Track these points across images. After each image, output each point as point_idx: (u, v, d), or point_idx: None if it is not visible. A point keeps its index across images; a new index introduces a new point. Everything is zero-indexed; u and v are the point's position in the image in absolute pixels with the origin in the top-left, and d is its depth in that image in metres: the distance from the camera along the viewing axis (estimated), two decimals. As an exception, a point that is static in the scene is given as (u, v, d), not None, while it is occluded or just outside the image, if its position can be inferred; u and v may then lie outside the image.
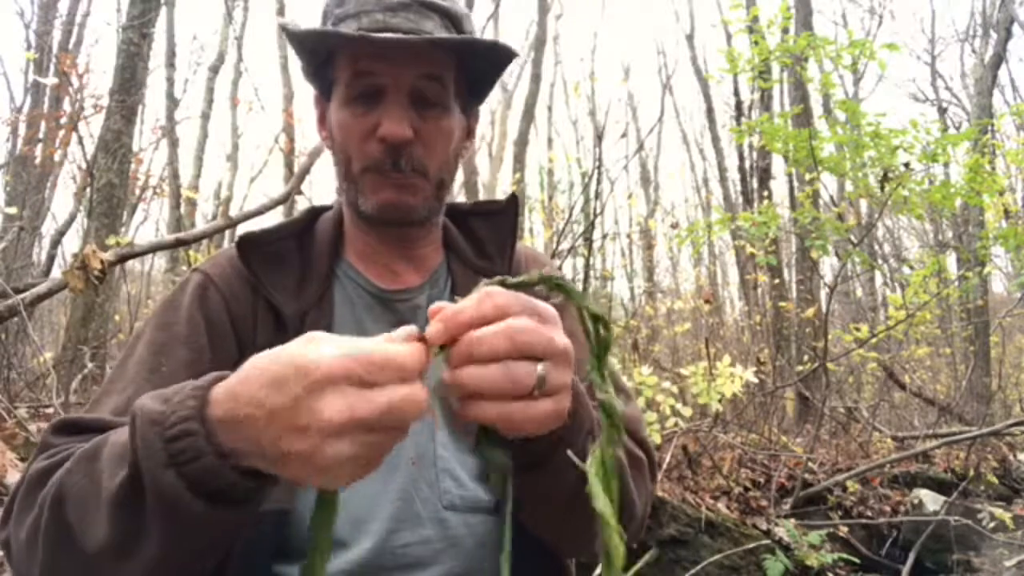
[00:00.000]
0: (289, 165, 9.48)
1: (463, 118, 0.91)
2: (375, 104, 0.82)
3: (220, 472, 0.49)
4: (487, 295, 0.51)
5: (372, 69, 0.81)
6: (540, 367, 0.50)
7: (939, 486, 4.49)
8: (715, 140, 13.87)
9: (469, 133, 0.95)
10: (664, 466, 3.31)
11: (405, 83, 0.82)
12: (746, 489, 3.63)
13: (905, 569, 3.48)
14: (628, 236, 11.13)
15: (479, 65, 0.87)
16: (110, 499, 0.54)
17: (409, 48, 0.80)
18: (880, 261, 14.13)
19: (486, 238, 0.96)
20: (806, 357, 6.18)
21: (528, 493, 0.65)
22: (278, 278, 0.85)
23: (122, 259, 3.30)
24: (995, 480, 4.94)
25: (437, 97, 0.84)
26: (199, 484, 0.50)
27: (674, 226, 8.66)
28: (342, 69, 0.84)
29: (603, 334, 0.52)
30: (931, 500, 4.01)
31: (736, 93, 9.96)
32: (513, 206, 0.97)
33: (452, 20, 0.86)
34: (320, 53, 0.86)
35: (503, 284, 0.52)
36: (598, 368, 0.52)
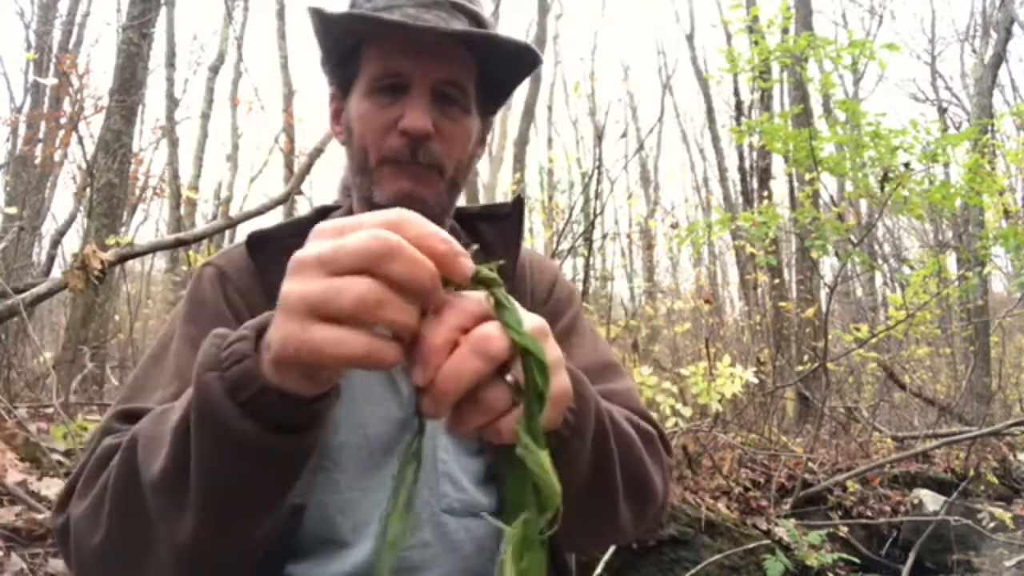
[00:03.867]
0: (289, 165, 9.45)
1: (480, 124, 0.91)
2: (399, 96, 0.83)
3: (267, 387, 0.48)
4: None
5: (401, 66, 0.82)
6: (510, 376, 0.46)
7: (939, 486, 4.50)
8: (715, 140, 13.88)
9: (481, 140, 0.95)
10: (664, 466, 3.31)
11: (430, 79, 0.82)
12: (746, 489, 3.63)
13: (905, 569, 3.49)
14: (628, 236, 11.12)
15: (499, 74, 0.88)
16: (171, 431, 0.56)
17: (439, 42, 0.80)
18: (880, 261, 14.14)
19: (492, 241, 0.96)
20: (806, 357, 6.17)
21: None
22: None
23: (122, 259, 3.30)
24: (995, 480, 4.95)
25: (459, 97, 0.85)
26: (254, 408, 0.49)
27: (674, 226, 8.64)
28: (369, 60, 0.84)
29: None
30: (931, 500, 4.01)
31: (736, 93, 9.97)
32: (519, 210, 0.97)
33: (479, 25, 0.87)
34: (346, 43, 0.85)
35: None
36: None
